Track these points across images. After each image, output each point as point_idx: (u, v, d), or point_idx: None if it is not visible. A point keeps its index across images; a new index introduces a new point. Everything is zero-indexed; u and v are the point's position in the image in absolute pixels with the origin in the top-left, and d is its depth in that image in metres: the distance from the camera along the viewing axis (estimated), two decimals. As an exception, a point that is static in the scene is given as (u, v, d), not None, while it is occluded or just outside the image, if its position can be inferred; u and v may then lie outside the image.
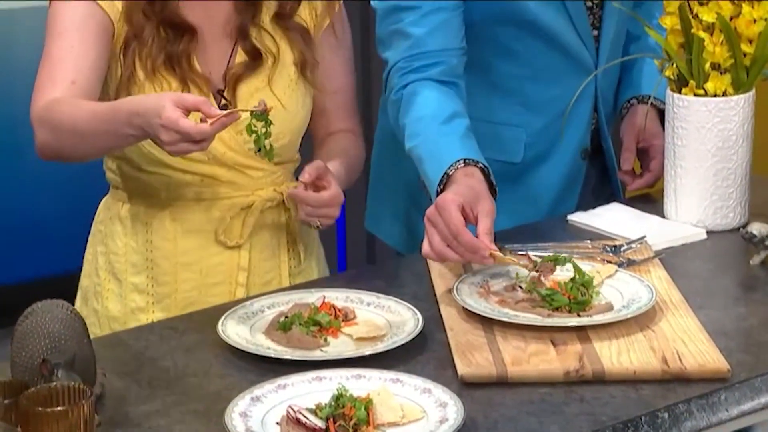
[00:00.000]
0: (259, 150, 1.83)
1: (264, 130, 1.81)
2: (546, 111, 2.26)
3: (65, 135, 1.92)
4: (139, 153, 2.02)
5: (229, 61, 2.05)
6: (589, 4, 2.24)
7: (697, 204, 2.13)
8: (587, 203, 2.28)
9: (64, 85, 1.93)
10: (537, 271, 1.84)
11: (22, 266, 3.53)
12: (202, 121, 1.76)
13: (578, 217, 2.19)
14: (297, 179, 2.01)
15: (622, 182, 2.34)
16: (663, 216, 2.18)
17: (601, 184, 2.40)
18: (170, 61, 2.00)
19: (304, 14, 2.10)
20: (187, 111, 1.76)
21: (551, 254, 1.89)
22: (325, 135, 2.16)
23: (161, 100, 1.78)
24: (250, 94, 2.04)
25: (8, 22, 3.29)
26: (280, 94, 2.06)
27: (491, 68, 2.24)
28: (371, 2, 2.22)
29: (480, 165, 1.99)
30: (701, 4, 2.07)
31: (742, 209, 2.15)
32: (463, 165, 1.99)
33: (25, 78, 2.33)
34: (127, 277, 2.08)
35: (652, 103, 2.29)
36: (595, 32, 2.27)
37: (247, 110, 1.81)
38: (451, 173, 1.98)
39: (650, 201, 2.26)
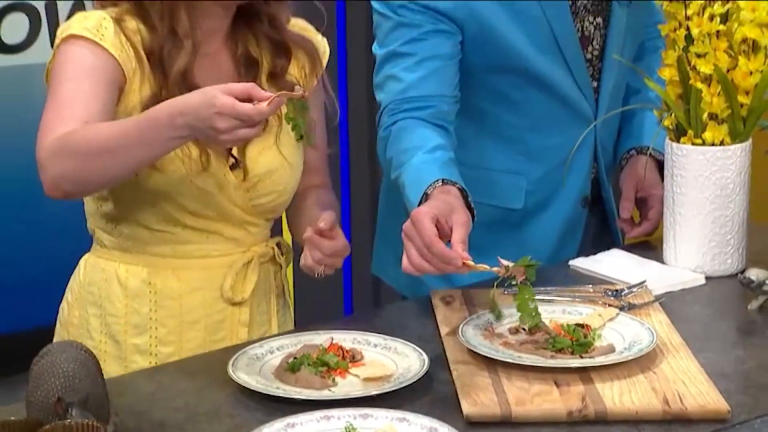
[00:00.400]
0: (301, 137, 1.81)
1: (304, 117, 1.79)
2: (546, 159, 2.28)
3: (91, 158, 1.83)
4: (152, 212, 2.00)
5: None
6: (588, 56, 2.26)
7: (696, 250, 2.14)
8: (588, 250, 2.29)
9: (74, 123, 1.86)
10: (509, 275, 1.83)
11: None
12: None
13: (580, 263, 2.21)
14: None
15: (621, 230, 2.36)
16: (662, 262, 2.19)
17: (601, 231, 2.41)
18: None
19: (295, 72, 2.10)
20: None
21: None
22: (302, 189, 2.14)
23: (209, 92, 1.76)
24: (259, 152, 2.04)
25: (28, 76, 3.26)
26: (286, 153, 2.07)
27: (492, 117, 2.26)
28: (373, 50, 2.23)
29: (458, 186, 1.99)
30: (699, 57, 2.09)
31: (740, 255, 2.16)
32: (441, 184, 1.99)
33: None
34: (127, 339, 2.04)
35: (650, 154, 2.30)
36: (595, 84, 2.29)
37: (291, 94, 1.79)
38: (429, 192, 1.98)
39: (650, 247, 2.27)
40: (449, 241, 1.87)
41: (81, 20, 1.96)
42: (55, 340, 2.10)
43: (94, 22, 1.94)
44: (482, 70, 2.21)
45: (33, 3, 3.21)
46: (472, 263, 1.84)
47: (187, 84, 1.95)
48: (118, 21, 1.95)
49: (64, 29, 1.96)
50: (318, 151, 2.16)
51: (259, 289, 2.09)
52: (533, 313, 1.83)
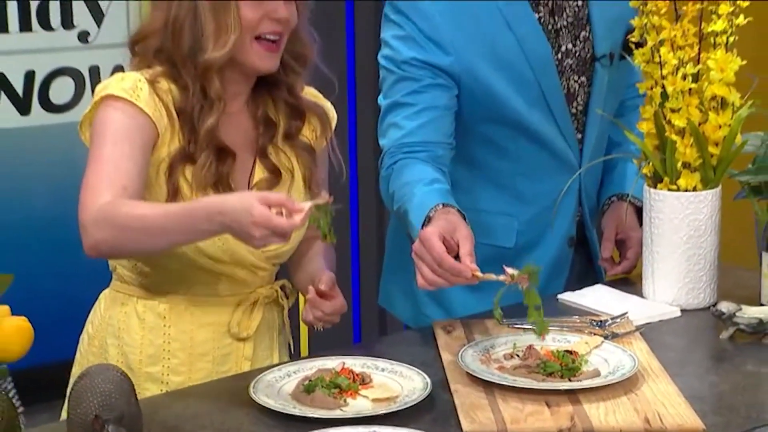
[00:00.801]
0: (325, 237, 1.79)
1: (327, 219, 1.78)
2: (536, 203, 2.26)
3: (130, 233, 1.83)
4: (173, 255, 1.97)
5: (250, 177, 2.02)
6: (574, 110, 2.25)
7: (672, 285, 2.12)
8: (573, 285, 2.26)
9: (116, 190, 1.84)
10: (514, 282, 1.83)
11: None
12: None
13: (567, 297, 2.18)
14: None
15: (603, 268, 2.33)
16: (642, 296, 2.16)
17: (586, 269, 2.38)
18: (217, 182, 1.96)
19: (307, 133, 2.09)
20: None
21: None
22: (304, 238, 2.11)
23: (247, 199, 1.74)
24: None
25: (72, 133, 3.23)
26: None
27: (486, 164, 2.24)
28: (378, 101, 2.22)
29: (456, 208, 1.98)
30: (673, 111, 2.08)
31: (712, 290, 2.13)
32: (441, 207, 1.98)
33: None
34: (141, 368, 2.01)
35: (630, 200, 2.28)
36: (579, 135, 2.27)
37: (317, 202, 1.78)
38: (431, 215, 1.97)
39: (630, 283, 2.24)
40: (456, 255, 1.86)
41: (119, 81, 1.94)
42: (74, 368, 2.07)
43: (130, 83, 1.93)
44: (477, 121, 2.20)
45: (78, 68, 3.20)
46: (480, 274, 1.84)
47: (214, 141, 1.94)
48: (152, 83, 1.94)
49: (102, 88, 1.94)
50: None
51: (263, 327, 2.07)
52: (543, 323, 1.82)
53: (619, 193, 2.33)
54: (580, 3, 2.23)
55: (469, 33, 2.14)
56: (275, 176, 2.03)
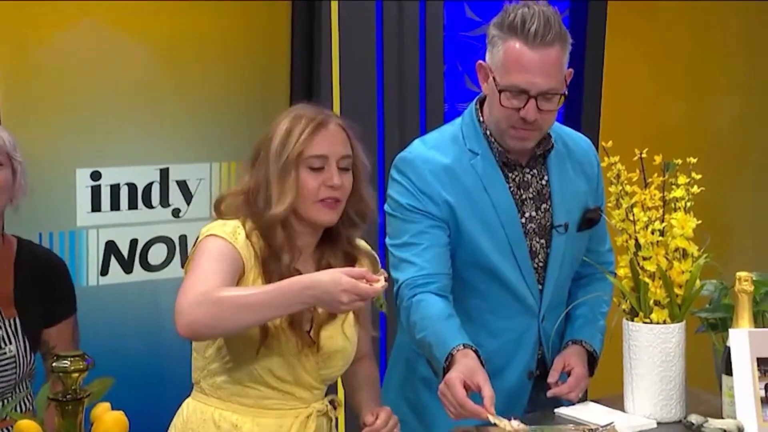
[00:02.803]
0: (381, 306, 1.92)
1: (383, 300, 1.91)
2: (500, 337, 2.24)
3: (227, 309, 1.82)
4: (248, 373, 1.98)
5: (313, 313, 2.01)
6: (535, 265, 2.25)
7: (648, 401, 2.12)
8: (532, 411, 2.24)
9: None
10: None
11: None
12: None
13: (563, 411, 2.19)
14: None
15: (548, 387, 2.24)
16: (624, 410, 2.15)
17: (546, 400, 2.27)
18: (293, 323, 1.97)
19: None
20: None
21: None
22: (354, 359, 2.12)
23: (335, 274, 1.83)
24: (329, 337, 2.04)
25: (165, 288, 3.23)
26: (349, 335, 2.08)
27: (461, 300, 2.23)
28: (386, 242, 2.25)
29: (473, 348, 2.02)
30: (645, 259, 2.10)
31: (682, 406, 2.13)
32: (462, 347, 2.02)
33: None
34: None
35: (582, 344, 2.26)
36: (540, 286, 2.26)
37: (384, 274, 1.89)
38: (454, 353, 2.01)
39: (614, 400, 2.21)
40: (475, 391, 1.93)
41: (221, 226, 1.99)
42: None
43: (230, 229, 1.98)
44: (458, 265, 2.23)
45: (170, 236, 3.24)
46: (494, 418, 1.89)
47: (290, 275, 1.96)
48: (248, 234, 1.98)
49: (207, 230, 2.00)
50: (366, 331, 2.15)
51: None
52: None
53: (574, 339, 2.30)
54: (543, 182, 2.27)
55: (454, 191, 2.20)
56: (333, 314, 2.02)
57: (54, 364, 1.55)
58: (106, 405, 1.64)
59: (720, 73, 4.04)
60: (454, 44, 3.64)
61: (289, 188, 1.96)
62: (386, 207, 2.26)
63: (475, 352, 2.00)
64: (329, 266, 2.02)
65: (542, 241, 2.26)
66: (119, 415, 1.63)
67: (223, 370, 2.00)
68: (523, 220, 2.23)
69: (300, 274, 1.96)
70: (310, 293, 1.80)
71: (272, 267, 1.97)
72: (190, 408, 2.06)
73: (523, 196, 2.24)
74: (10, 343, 2.20)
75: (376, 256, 2.14)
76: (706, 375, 2.22)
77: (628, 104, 3.83)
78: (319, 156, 1.97)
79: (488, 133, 2.22)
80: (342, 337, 2.04)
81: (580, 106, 3.64)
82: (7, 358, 2.28)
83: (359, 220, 2.06)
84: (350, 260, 2.07)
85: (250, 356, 1.97)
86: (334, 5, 3.28)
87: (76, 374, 1.54)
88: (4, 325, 2.20)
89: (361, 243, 2.12)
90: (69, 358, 1.55)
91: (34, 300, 2.29)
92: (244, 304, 1.83)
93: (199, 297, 1.83)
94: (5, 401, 2.23)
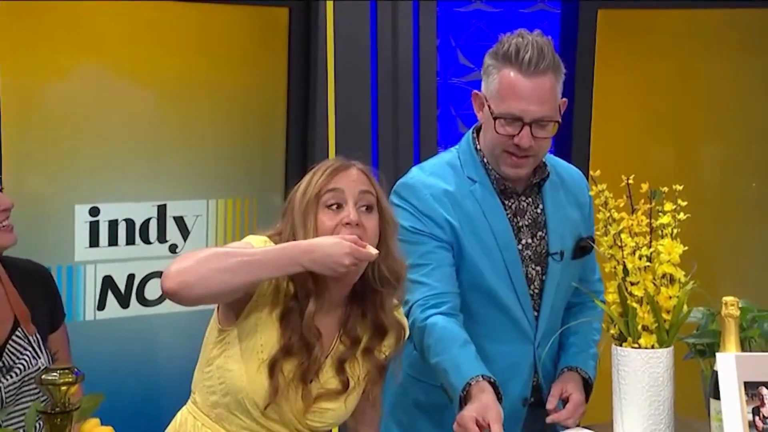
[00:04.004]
0: None
1: None
2: (496, 362, 2.22)
3: (222, 258, 1.75)
4: (236, 402, 1.93)
5: (318, 373, 1.94)
6: (531, 292, 2.24)
7: (637, 425, 2.09)
8: None
9: None
10: None
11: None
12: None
13: None
14: None
15: (547, 414, 2.22)
16: None
17: (542, 424, 2.27)
18: (304, 375, 1.93)
19: (382, 347, 2.01)
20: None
21: None
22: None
23: (335, 238, 1.83)
24: (327, 406, 1.96)
25: (161, 323, 3.22)
26: (349, 407, 2.01)
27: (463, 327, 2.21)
28: None
29: (491, 380, 2.01)
30: (633, 284, 2.09)
31: (670, 430, 2.10)
32: (480, 379, 2.01)
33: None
34: None
35: (578, 371, 2.26)
36: (535, 313, 2.25)
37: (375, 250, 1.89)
38: (472, 384, 2.01)
39: (605, 426, 2.19)
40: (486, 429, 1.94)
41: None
42: None
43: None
44: (461, 289, 2.22)
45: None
46: None
47: (310, 328, 1.90)
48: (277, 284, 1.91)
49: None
50: (376, 411, 2.08)
51: None
52: None
53: (569, 366, 2.29)
54: (538, 210, 2.27)
55: (456, 214, 2.22)
56: (344, 388, 1.96)
57: (43, 377, 1.54)
58: (96, 420, 1.62)
59: (706, 115, 4.07)
60: (447, 89, 3.68)
61: (309, 231, 1.89)
62: None
63: (492, 383, 1.99)
64: (354, 328, 1.96)
65: (538, 268, 2.26)
66: (109, 430, 1.61)
67: (216, 391, 1.96)
68: (520, 247, 2.24)
69: (319, 332, 1.90)
70: (310, 257, 1.77)
71: (293, 317, 1.88)
72: (182, 417, 2.02)
73: (520, 224, 2.25)
74: (39, 357, 2.20)
75: (404, 329, 2.03)
76: (693, 403, 2.20)
77: (616, 141, 3.86)
78: (334, 189, 1.90)
79: (485, 161, 2.24)
80: (339, 409, 1.97)
81: (569, 140, 3.67)
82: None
83: (393, 279, 1.94)
84: (379, 334, 1.98)
85: (242, 386, 1.91)
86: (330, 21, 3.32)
87: (65, 387, 1.53)
88: (30, 342, 2.21)
89: (395, 312, 2.01)
90: (58, 371, 1.53)
91: (41, 311, 2.29)
92: (239, 257, 1.75)
93: (190, 253, 1.77)
94: None
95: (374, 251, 1.83)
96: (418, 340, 2.15)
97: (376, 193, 1.95)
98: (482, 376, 2.00)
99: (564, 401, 2.20)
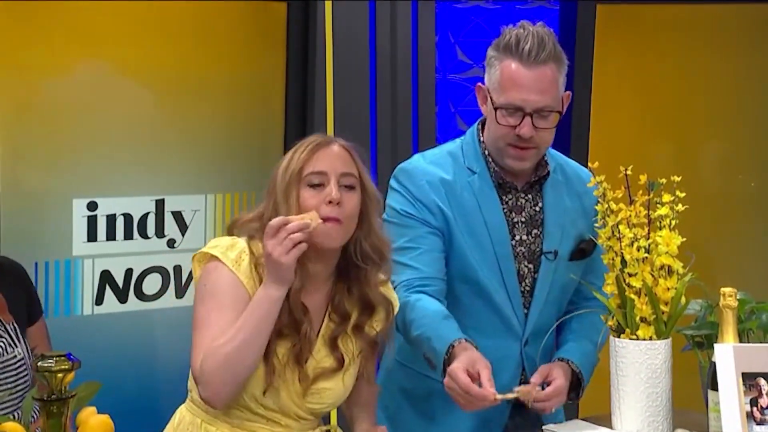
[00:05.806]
0: None
1: None
2: (483, 354, 2.16)
3: (234, 354, 1.83)
4: (236, 403, 1.93)
5: (309, 355, 1.95)
6: (522, 289, 2.23)
7: (635, 417, 2.08)
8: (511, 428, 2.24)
9: (209, 342, 1.86)
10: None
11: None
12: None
13: (552, 427, 2.16)
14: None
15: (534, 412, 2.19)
16: (611, 427, 2.11)
17: (526, 420, 2.26)
18: (299, 356, 1.94)
19: (372, 322, 2.01)
20: None
21: None
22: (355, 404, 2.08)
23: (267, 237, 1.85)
24: (325, 386, 1.98)
25: (159, 317, 3.21)
26: (347, 384, 2.01)
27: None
28: None
29: (473, 344, 2.02)
30: (631, 276, 2.09)
31: (668, 421, 2.10)
32: (464, 341, 2.03)
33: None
34: None
35: (569, 363, 2.22)
36: (525, 310, 2.25)
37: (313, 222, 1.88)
38: (455, 345, 2.01)
39: (603, 417, 2.18)
40: (479, 381, 1.94)
41: (227, 249, 1.93)
42: None
43: (235, 255, 1.92)
44: (450, 279, 2.21)
45: (165, 266, 3.23)
46: (499, 396, 1.94)
47: (292, 302, 1.91)
48: (257, 260, 1.91)
49: (213, 246, 1.94)
50: (371, 386, 2.09)
51: None
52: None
53: (562, 357, 2.25)
54: (537, 208, 2.26)
55: (450, 203, 2.22)
56: (339, 365, 1.97)
57: (39, 364, 1.53)
58: (92, 409, 1.61)
59: (705, 110, 4.07)
60: (445, 86, 3.67)
61: (291, 208, 1.91)
62: (384, 215, 2.23)
63: (474, 346, 1.99)
64: (342, 304, 1.97)
65: (530, 265, 2.25)
66: (105, 419, 1.60)
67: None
68: (514, 243, 2.23)
69: (305, 308, 1.92)
70: (272, 273, 1.80)
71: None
72: (181, 414, 2.02)
73: (515, 219, 2.24)
74: (16, 346, 2.20)
75: (393, 307, 2.04)
76: (691, 394, 2.20)
77: (614, 137, 3.85)
78: (318, 172, 1.92)
79: (487, 153, 2.24)
80: (337, 385, 1.98)
81: (568, 135, 3.66)
82: (17, 360, 2.28)
83: (375, 255, 1.96)
84: (368, 310, 1.99)
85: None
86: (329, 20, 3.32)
87: (61, 374, 1.52)
88: (7, 329, 2.21)
89: (383, 287, 2.01)
90: (54, 358, 1.53)
91: (18, 302, 2.30)
92: (243, 340, 1.81)
93: (203, 364, 1.84)
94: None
95: (308, 219, 1.83)
96: (401, 317, 2.12)
97: (359, 171, 1.96)
98: (465, 339, 1.99)
99: (547, 385, 2.17)
